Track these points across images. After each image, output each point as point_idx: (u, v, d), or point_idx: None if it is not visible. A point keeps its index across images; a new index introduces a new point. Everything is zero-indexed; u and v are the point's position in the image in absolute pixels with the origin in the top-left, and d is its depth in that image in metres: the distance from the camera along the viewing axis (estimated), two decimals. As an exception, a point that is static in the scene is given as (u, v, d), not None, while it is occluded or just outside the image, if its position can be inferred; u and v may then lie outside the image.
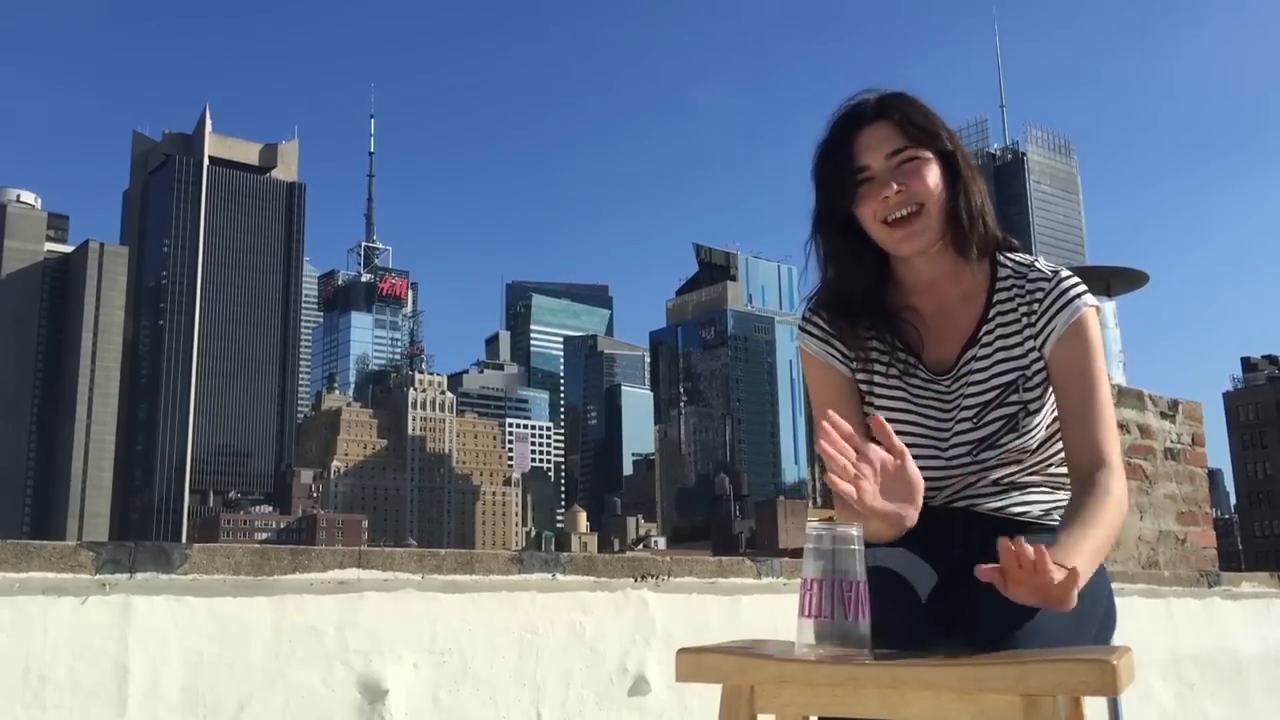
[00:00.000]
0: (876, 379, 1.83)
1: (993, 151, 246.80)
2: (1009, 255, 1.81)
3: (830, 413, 1.54)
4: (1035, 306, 1.76)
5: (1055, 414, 1.78)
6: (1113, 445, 1.70)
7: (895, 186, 1.71)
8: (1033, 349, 1.76)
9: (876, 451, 1.55)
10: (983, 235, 1.77)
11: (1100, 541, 1.59)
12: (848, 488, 1.50)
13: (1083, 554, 1.52)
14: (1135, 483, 5.13)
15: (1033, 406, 1.77)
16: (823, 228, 1.80)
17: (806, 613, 1.37)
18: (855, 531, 1.38)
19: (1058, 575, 1.39)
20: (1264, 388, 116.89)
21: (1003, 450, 1.76)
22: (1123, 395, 5.19)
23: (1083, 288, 1.76)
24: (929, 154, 1.74)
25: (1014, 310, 1.78)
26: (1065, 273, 1.78)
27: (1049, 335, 1.74)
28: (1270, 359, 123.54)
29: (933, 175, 1.73)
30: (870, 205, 1.73)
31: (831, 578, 1.37)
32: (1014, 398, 1.76)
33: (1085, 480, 1.67)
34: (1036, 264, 1.79)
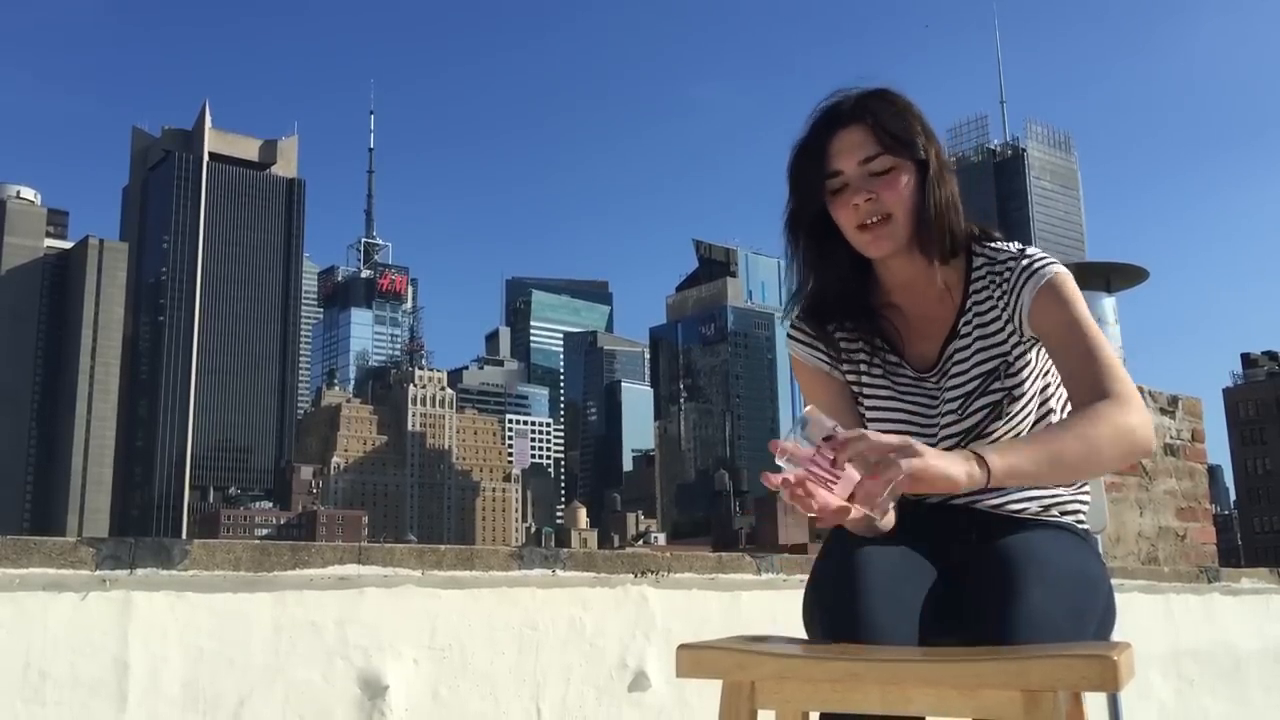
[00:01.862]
0: (864, 379, 1.84)
1: (993, 147, 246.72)
2: (986, 245, 1.82)
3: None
4: (1005, 286, 1.76)
5: (1043, 404, 1.78)
6: (1112, 379, 1.64)
7: (865, 195, 1.71)
8: (1012, 331, 1.76)
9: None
10: (950, 237, 1.77)
11: (1051, 442, 1.57)
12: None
13: (1002, 446, 1.53)
14: (1135, 478, 5.13)
15: (1016, 393, 1.77)
16: (795, 227, 1.80)
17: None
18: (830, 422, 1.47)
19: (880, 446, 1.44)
20: (1264, 384, 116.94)
21: (991, 440, 1.76)
22: (1123, 391, 5.19)
23: (1048, 258, 1.76)
24: (902, 160, 1.73)
25: (989, 297, 1.78)
26: (1032, 249, 1.78)
27: (1021, 308, 1.74)
28: (1270, 355, 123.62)
29: (903, 183, 1.73)
30: (843, 211, 1.74)
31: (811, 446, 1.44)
32: (996, 385, 1.76)
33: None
34: (1006, 247, 1.79)
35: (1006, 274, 1.76)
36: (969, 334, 1.79)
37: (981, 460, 1.48)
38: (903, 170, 1.73)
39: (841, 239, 1.78)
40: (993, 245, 1.81)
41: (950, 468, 1.45)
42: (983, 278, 1.79)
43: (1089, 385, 1.65)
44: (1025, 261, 1.75)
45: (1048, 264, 1.75)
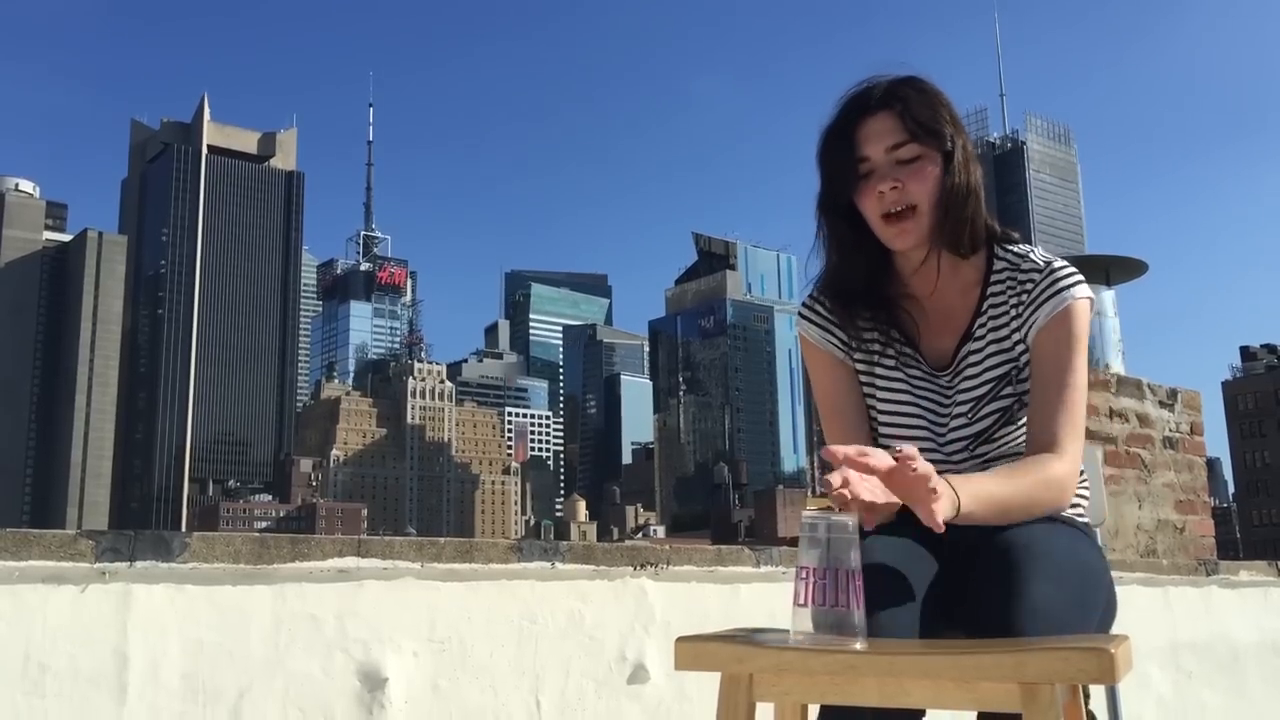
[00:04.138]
0: (877, 369, 1.82)
1: (992, 140, 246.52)
2: (1007, 247, 1.80)
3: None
4: (1024, 297, 1.75)
5: None
6: (1068, 433, 1.67)
7: (891, 183, 1.70)
8: (1019, 340, 1.75)
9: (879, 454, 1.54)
10: (974, 231, 1.76)
11: (1005, 496, 1.58)
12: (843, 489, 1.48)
13: (973, 490, 1.53)
14: (1134, 471, 5.13)
15: (1026, 399, 1.76)
16: (826, 211, 1.79)
17: (801, 601, 1.37)
18: (851, 520, 1.38)
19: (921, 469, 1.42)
20: (1263, 377, 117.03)
21: (999, 444, 1.76)
22: (1121, 384, 5.20)
23: (1076, 278, 1.74)
24: (929, 150, 1.72)
25: (1005, 302, 1.77)
26: (1059, 263, 1.77)
27: (1033, 324, 1.73)
28: (1269, 348, 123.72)
29: (930, 173, 1.71)
30: (868, 198, 1.73)
31: (827, 566, 1.36)
32: (1007, 390, 1.76)
33: (1028, 457, 1.68)
34: (1031, 255, 1.77)
35: (1029, 284, 1.75)
36: (983, 336, 1.78)
37: (957, 503, 1.50)
38: (929, 160, 1.72)
39: (866, 225, 1.76)
40: (1015, 250, 1.79)
41: (939, 514, 1.45)
42: (1002, 281, 1.78)
43: (1049, 429, 1.68)
44: (1053, 277, 1.74)
45: (1073, 285, 1.73)
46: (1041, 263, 1.76)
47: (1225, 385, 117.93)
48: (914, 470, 1.42)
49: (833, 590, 1.35)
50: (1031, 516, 1.65)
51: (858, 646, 1.34)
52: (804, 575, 1.37)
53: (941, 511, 1.45)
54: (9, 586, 1.97)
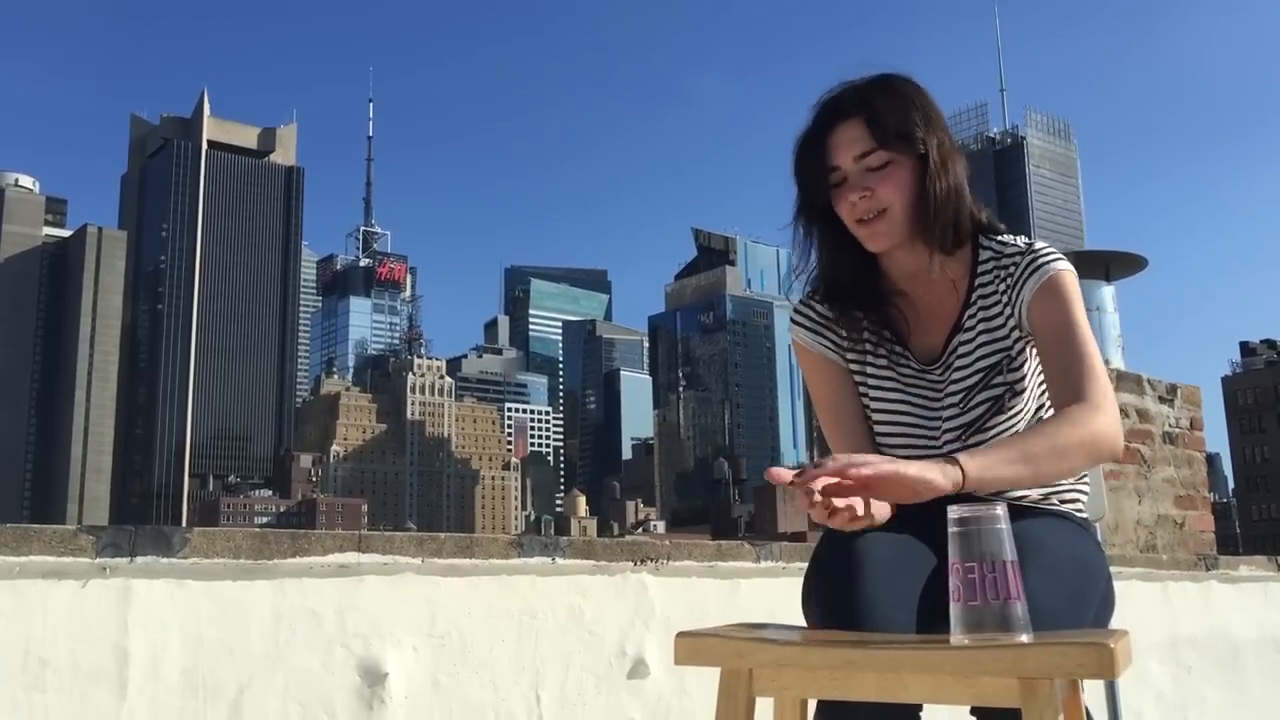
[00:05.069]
0: (869, 369, 1.83)
1: (992, 135, 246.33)
2: (992, 237, 1.81)
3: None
4: (1009, 280, 1.76)
5: (1044, 393, 1.78)
6: (1093, 384, 1.65)
7: (860, 192, 1.71)
8: (1014, 325, 1.76)
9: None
10: (955, 229, 1.76)
11: (1024, 445, 1.56)
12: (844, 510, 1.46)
13: (980, 451, 1.52)
14: (1134, 467, 5.13)
15: (1018, 387, 1.77)
16: (806, 217, 1.80)
17: (959, 599, 1.33)
18: (1000, 510, 1.35)
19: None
20: (1262, 372, 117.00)
21: (992, 434, 1.76)
22: (1121, 379, 5.19)
23: (1055, 254, 1.75)
24: (899, 155, 1.72)
25: (994, 290, 1.78)
26: (1040, 244, 1.77)
27: (1022, 302, 1.73)
28: (1269, 343, 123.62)
29: (900, 178, 1.72)
30: (843, 205, 1.74)
31: (980, 560, 1.33)
32: (998, 379, 1.76)
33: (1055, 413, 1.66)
34: (1014, 241, 1.79)
35: (1012, 267, 1.76)
36: (973, 327, 1.78)
37: (957, 464, 1.48)
38: (900, 165, 1.72)
39: (849, 232, 1.78)
40: (1000, 239, 1.80)
41: (927, 471, 1.45)
42: (989, 270, 1.79)
43: (1071, 388, 1.66)
44: (1031, 256, 1.75)
45: (1053, 260, 1.74)
46: (1022, 245, 1.77)
47: (1225, 380, 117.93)
48: (866, 474, 1.41)
49: (993, 585, 1.32)
50: (1073, 471, 1.64)
51: (1024, 639, 1.31)
52: (959, 572, 1.34)
53: (936, 483, 1.45)
54: (9, 582, 1.97)
